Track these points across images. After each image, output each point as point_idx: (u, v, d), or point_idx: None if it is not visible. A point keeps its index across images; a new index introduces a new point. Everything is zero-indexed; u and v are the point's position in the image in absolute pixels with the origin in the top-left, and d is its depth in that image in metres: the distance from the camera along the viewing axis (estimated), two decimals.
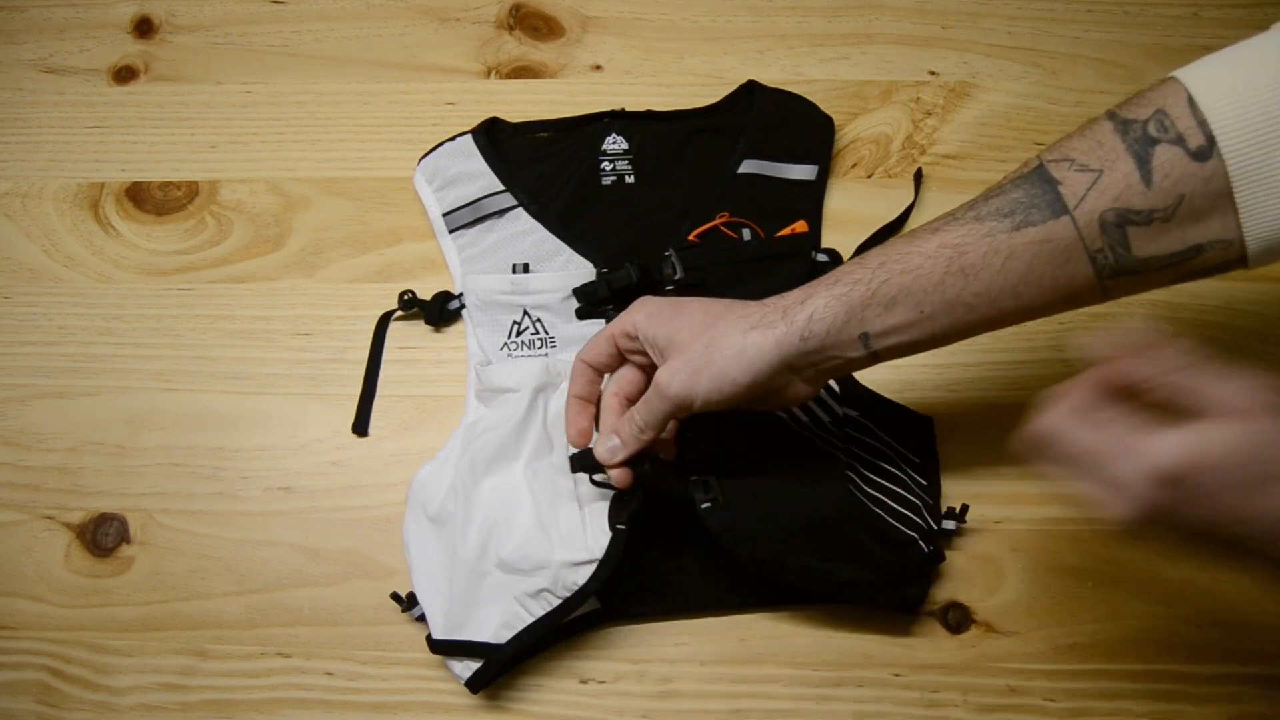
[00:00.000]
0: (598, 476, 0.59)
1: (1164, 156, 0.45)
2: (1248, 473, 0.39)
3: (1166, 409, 0.41)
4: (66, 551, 0.67)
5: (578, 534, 0.60)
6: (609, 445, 0.57)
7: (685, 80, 0.77)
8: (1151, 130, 0.45)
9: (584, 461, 0.59)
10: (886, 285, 0.49)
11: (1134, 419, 0.42)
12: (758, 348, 0.51)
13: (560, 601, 0.58)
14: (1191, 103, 0.45)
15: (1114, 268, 0.47)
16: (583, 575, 0.58)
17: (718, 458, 0.62)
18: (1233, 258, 0.46)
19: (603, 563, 0.58)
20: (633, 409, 0.56)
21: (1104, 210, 0.46)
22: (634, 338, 0.56)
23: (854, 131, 0.74)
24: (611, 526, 0.59)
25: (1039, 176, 0.47)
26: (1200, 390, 0.40)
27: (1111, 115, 0.47)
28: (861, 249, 0.70)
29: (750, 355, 0.51)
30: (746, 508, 0.60)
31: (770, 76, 0.74)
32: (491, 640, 0.59)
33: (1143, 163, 0.45)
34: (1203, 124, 0.44)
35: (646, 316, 0.55)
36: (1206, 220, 0.45)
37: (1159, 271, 0.47)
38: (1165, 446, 0.39)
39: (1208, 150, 0.44)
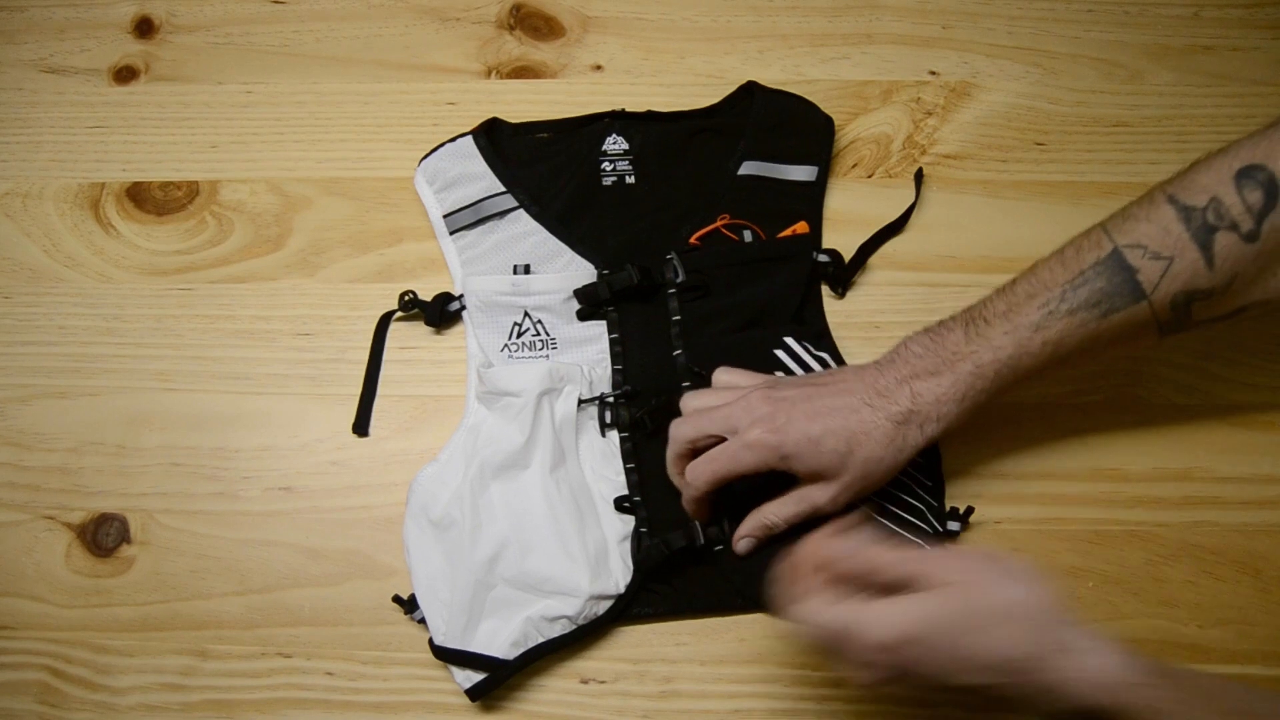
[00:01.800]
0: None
1: (1224, 242, 0.52)
2: (953, 634, 0.46)
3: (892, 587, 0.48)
4: (67, 551, 0.67)
5: (605, 565, 0.61)
6: (745, 546, 0.61)
7: (686, 80, 0.77)
8: (1210, 218, 0.52)
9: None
10: (998, 380, 0.56)
11: (860, 595, 0.49)
12: (903, 448, 0.57)
13: (576, 628, 0.60)
14: (1238, 184, 0.51)
15: (1173, 329, 0.55)
16: (604, 607, 0.61)
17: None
18: (1267, 311, 0.55)
19: (620, 598, 0.61)
20: (772, 509, 0.59)
21: (1175, 293, 0.53)
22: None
23: (854, 131, 0.74)
24: (636, 566, 0.62)
25: (1117, 264, 0.54)
26: (917, 569, 0.48)
27: (1171, 199, 0.53)
28: (864, 249, 0.70)
29: (899, 457, 0.57)
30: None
31: (771, 76, 0.74)
32: (498, 655, 0.59)
33: (1206, 249, 0.52)
34: (1250, 208, 0.51)
35: (795, 457, 0.56)
36: (1251, 288, 0.53)
37: (1206, 327, 0.56)
38: (883, 620, 0.46)
39: (1256, 233, 0.51)
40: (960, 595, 0.46)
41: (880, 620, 0.46)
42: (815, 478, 0.57)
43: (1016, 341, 0.55)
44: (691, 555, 0.62)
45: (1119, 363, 0.68)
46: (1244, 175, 0.52)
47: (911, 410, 0.56)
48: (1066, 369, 0.57)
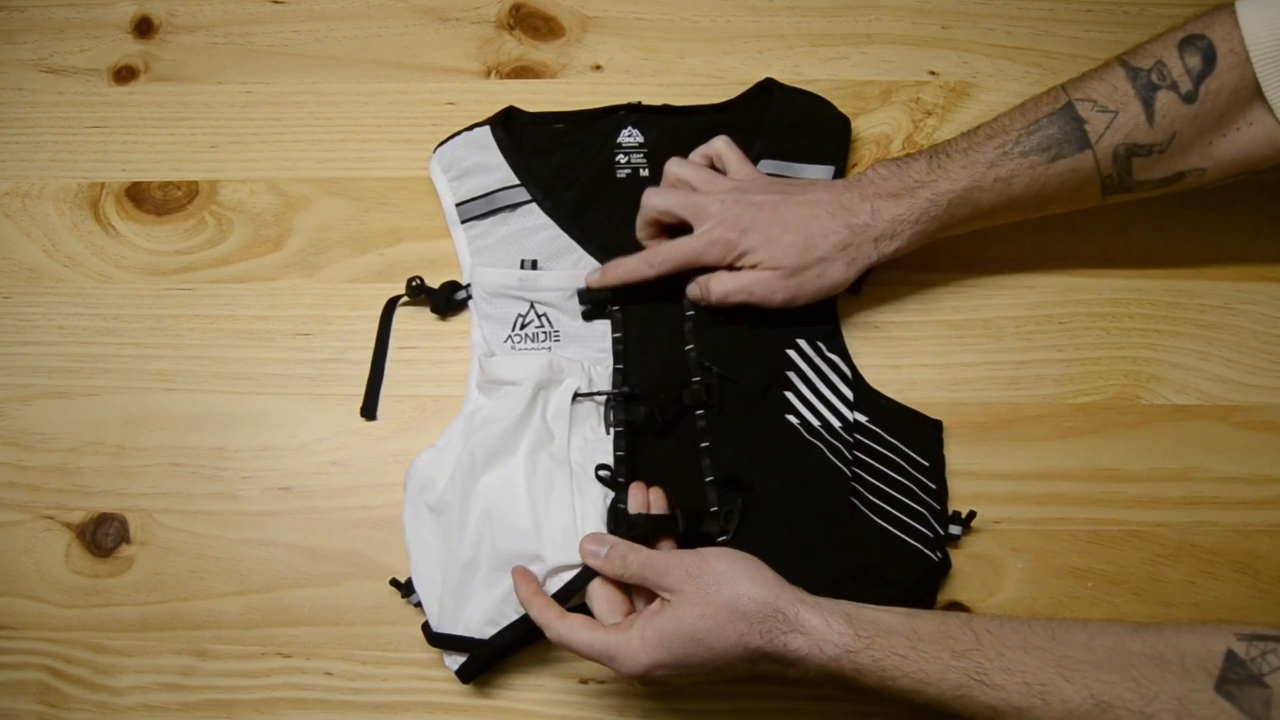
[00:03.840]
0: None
1: (1164, 100, 0.57)
2: (693, 643, 0.50)
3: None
4: (66, 551, 0.67)
5: (571, 537, 0.60)
6: (654, 270, 0.65)
7: (686, 80, 0.77)
8: (1154, 78, 0.57)
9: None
10: (951, 209, 0.61)
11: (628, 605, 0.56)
12: (855, 258, 0.62)
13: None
14: (1180, 49, 0.57)
15: (1116, 188, 0.61)
16: (570, 577, 0.59)
17: (736, 466, 0.62)
18: (1203, 182, 0.60)
19: (585, 571, 0.58)
20: (719, 281, 0.63)
21: (1117, 145, 0.58)
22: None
23: (854, 131, 0.74)
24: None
25: (1069, 115, 0.59)
26: (656, 578, 0.53)
27: (1123, 62, 0.59)
28: None
29: (851, 269, 0.62)
30: (761, 536, 0.60)
31: (771, 76, 0.74)
32: (476, 635, 0.59)
33: (1148, 105, 0.57)
34: (1189, 71, 0.57)
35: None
36: (1188, 152, 0.58)
37: (1147, 191, 0.61)
38: (629, 654, 0.51)
39: (1194, 95, 0.57)
40: (685, 605, 0.51)
41: (627, 651, 0.51)
42: (771, 271, 0.61)
43: (971, 175, 0.60)
44: (669, 533, 0.60)
45: (1118, 363, 0.68)
46: (1186, 43, 0.57)
47: (869, 224, 0.61)
48: (1015, 212, 0.62)
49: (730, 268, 0.63)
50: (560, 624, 0.54)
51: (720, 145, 0.67)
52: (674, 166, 0.66)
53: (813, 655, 0.49)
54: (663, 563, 0.53)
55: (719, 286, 0.63)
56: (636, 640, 0.51)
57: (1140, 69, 0.58)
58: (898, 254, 0.62)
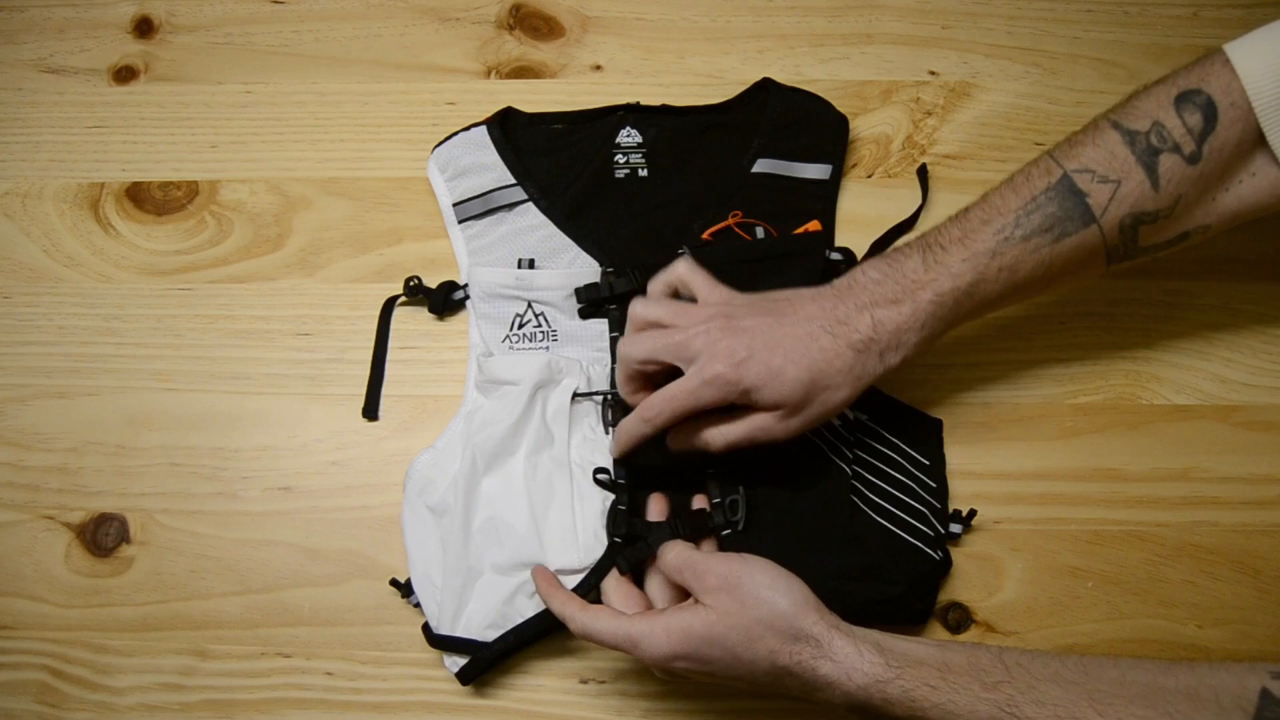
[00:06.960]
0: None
1: (1167, 164, 0.53)
2: (719, 647, 0.50)
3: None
4: (66, 551, 0.67)
5: (570, 540, 0.60)
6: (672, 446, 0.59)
7: (686, 80, 0.77)
8: (1154, 141, 0.53)
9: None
10: (957, 308, 0.56)
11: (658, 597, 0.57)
12: (861, 376, 0.56)
13: (545, 607, 0.59)
14: (1178, 107, 0.53)
15: (1121, 256, 0.57)
16: (572, 584, 0.60)
17: (738, 465, 0.62)
18: (1206, 237, 0.57)
19: (593, 572, 0.60)
20: (718, 432, 0.57)
21: (1123, 216, 0.54)
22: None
23: (854, 131, 0.74)
24: (609, 538, 0.61)
25: (1067, 189, 0.55)
26: (694, 580, 0.53)
27: (1115, 125, 0.55)
28: (876, 246, 0.70)
29: (858, 385, 0.56)
30: (762, 533, 0.60)
31: (771, 76, 0.74)
32: (478, 638, 0.60)
33: (1151, 171, 0.54)
34: (1191, 130, 0.53)
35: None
36: (1193, 212, 0.55)
37: (1151, 255, 0.57)
38: (652, 638, 0.51)
39: (1198, 155, 0.53)
40: (719, 612, 0.51)
41: (650, 638, 0.51)
42: (774, 409, 0.55)
43: (974, 269, 0.55)
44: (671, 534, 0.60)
45: (1118, 362, 0.68)
46: (1183, 99, 0.53)
47: (872, 339, 0.55)
48: (1020, 297, 0.58)
49: (731, 406, 0.57)
50: (583, 615, 0.54)
51: (682, 270, 0.59)
52: (639, 308, 0.59)
53: (841, 683, 0.49)
54: (702, 565, 0.53)
55: (720, 440, 0.57)
56: (661, 630, 0.51)
57: (1137, 132, 0.54)
58: (904, 364, 0.56)
